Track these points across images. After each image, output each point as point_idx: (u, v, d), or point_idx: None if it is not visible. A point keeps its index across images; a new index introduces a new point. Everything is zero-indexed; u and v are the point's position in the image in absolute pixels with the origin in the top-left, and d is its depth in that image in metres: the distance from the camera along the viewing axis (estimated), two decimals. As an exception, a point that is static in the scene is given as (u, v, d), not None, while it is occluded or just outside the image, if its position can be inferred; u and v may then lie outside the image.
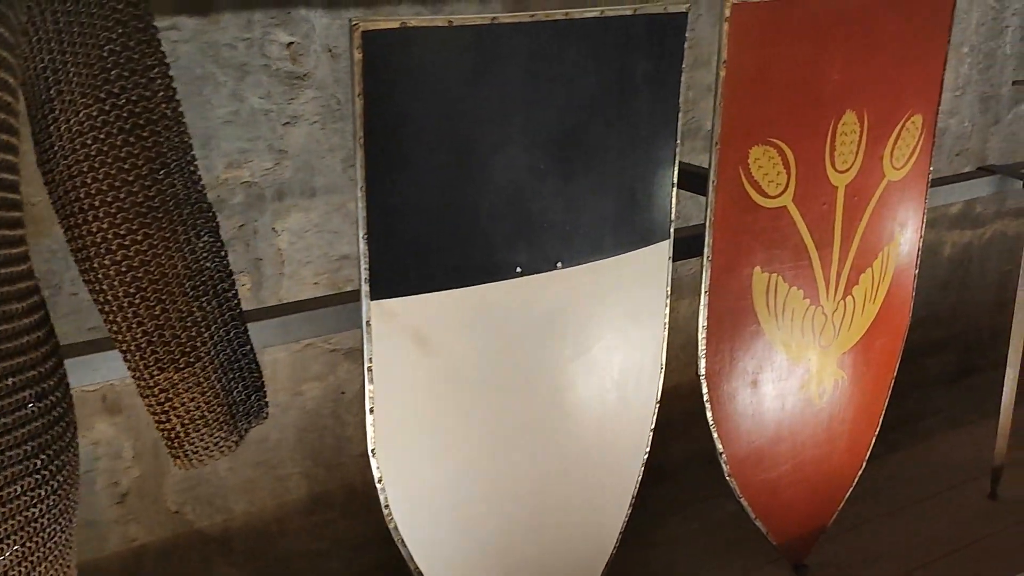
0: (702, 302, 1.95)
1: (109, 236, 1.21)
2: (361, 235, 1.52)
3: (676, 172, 1.83)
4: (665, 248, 1.87)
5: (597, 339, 1.82)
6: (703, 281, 1.94)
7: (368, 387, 1.60)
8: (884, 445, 3.41)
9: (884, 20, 1.96)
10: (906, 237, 2.20)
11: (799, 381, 2.14)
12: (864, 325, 2.20)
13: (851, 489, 2.36)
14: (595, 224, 1.74)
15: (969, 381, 3.74)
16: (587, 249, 1.74)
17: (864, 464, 2.36)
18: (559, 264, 1.71)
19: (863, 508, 2.64)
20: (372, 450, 1.64)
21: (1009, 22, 3.28)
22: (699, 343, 1.98)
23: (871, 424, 2.32)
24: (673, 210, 1.85)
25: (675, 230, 1.91)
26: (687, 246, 1.95)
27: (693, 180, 1.92)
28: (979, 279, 3.63)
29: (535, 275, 1.69)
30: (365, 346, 1.58)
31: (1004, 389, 2.62)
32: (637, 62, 1.69)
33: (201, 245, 1.29)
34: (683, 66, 1.76)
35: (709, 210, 1.89)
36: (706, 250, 1.91)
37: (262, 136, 2.10)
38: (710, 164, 1.87)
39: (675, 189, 1.84)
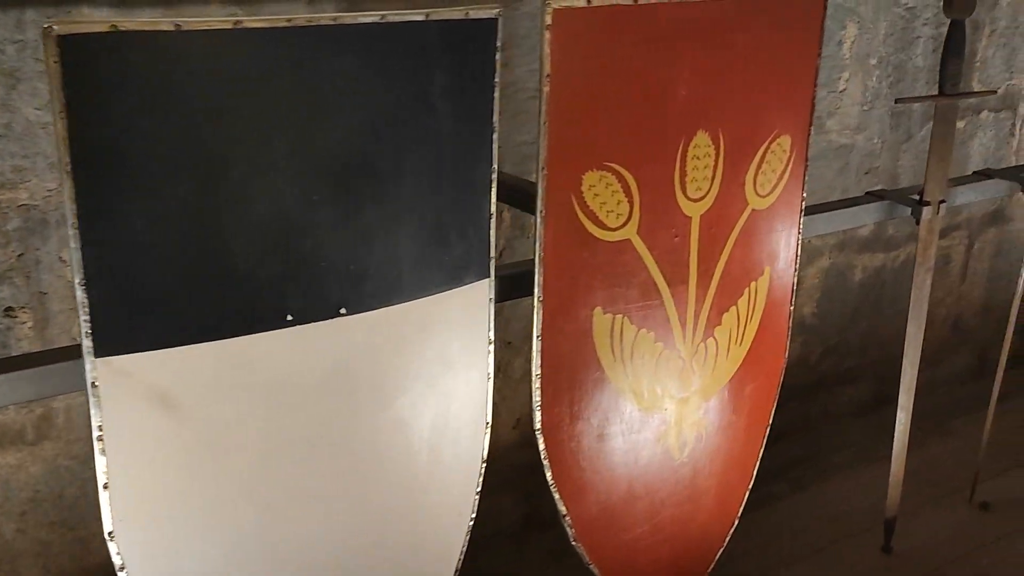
0: (534, 348, 1.71)
1: None
2: (77, 281, 1.26)
3: (494, 201, 1.59)
4: (484, 288, 1.63)
5: (399, 394, 1.57)
6: (534, 324, 1.70)
7: (100, 460, 1.34)
8: (787, 483, 3.22)
9: (741, 30, 1.73)
10: (777, 271, 1.97)
11: (654, 433, 1.90)
12: (731, 369, 1.97)
13: (722, 549, 2.13)
14: (389, 263, 1.49)
15: (884, 412, 3.54)
16: (380, 292, 1.49)
17: (736, 521, 2.13)
18: (342, 310, 1.46)
19: (744, 565, 2.42)
20: (110, 533, 1.38)
21: (921, 32, 3.08)
22: (533, 394, 1.74)
23: (743, 477, 2.09)
24: (493, 244, 1.61)
25: (504, 265, 1.68)
26: (515, 284, 1.71)
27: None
28: (893, 305, 3.43)
29: (311, 324, 1.44)
30: (92, 412, 1.32)
31: (896, 433, 2.41)
32: (435, 76, 1.45)
33: None
34: (495, 80, 1.52)
35: (538, 244, 1.65)
36: (536, 289, 1.68)
37: (41, 152, 1.83)
38: (536, 193, 1.63)
39: (494, 219, 1.60)
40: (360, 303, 1.47)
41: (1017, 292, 2.53)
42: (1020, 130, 3.50)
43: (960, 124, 3.30)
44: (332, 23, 1.32)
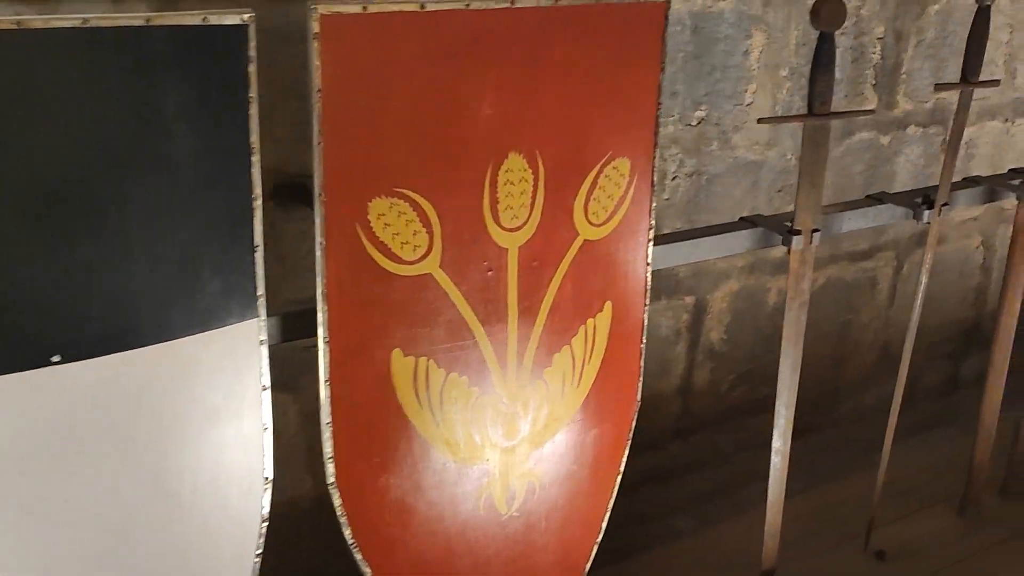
0: (322, 394, 1.52)
1: None
2: None
3: (259, 232, 1.40)
4: (252, 329, 1.44)
5: (146, 451, 1.38)
6: (320, 368, 1.51)
7: None
8: (694, 518, 3.04)
9: (560, 43, 1.54)
10: (622, 306, 1.78)
11: (475, 486, 1.71)
12: (567, 415, 1.78)
13: (566, 608, 1.94)
14: (119, 304, 1.30)
15: (803, 442, 3.35)
16: (108, 336, 1.31)
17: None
18: (55, 358, 1.27)
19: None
20: None
21: (837, 43, 2.88)
22: (324, 445, 1.55)
23: (589, 531, 1.90)
24: (260, 279, 1.43)
25: (289, 302, 1.49)
26: (299, 323, 1.52)
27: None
28: (812, 329, 3.24)
29: (14, 375, 1.25)
30: None
31: (771, 481, 2.22)
32: (166, 90, 1.26)
33: None
34: (251, 95, 1.33)
35: (320, 279, 1.47)
36: (320, 329, 1.49)
37: None
38: (315, 223, 1.44)
39: (260, 252, 1.42)
40: (82, 350, 1.29)
41: (911, 327, 2.35)
42: (952, 146, 3.31)
43: (884, 140, 3.12)
44: (15, 28, 1.14)
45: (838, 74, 2.93)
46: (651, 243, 1.78)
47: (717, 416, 3.14)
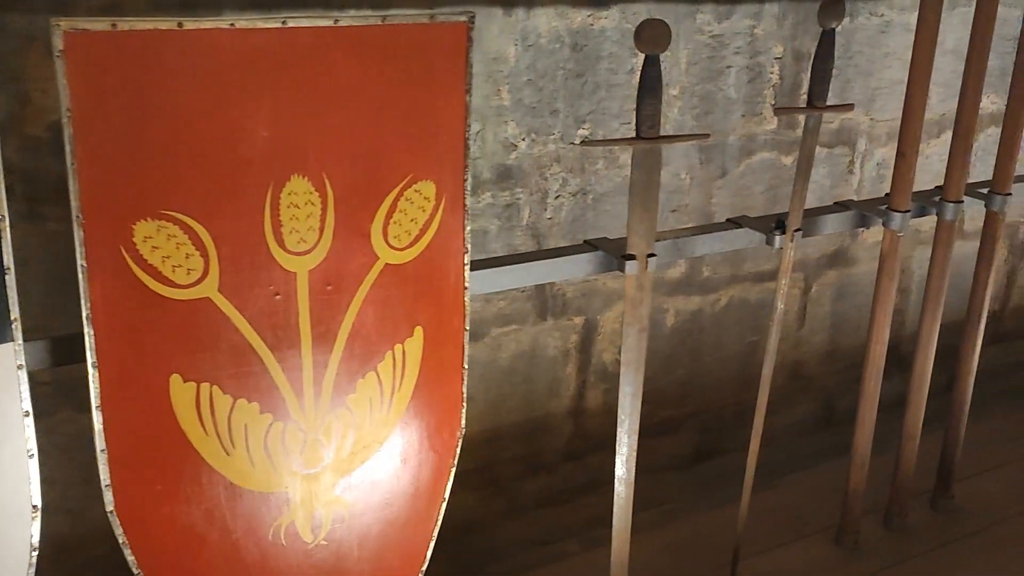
0: (95, 420, 1.49)
1: None
2: None
3: (8, 254, 1.37)
4: (8, 353, 1.40)
5: None
6: (91, 394, 1.47)
7: None
8: (581, 542, 2.99)
9: (348, 63, 1.50)
10: (436, 332, 1.74)
11: (273, 515, 1.67)
12: (377, 441, 1.74)
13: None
14: None
15: (706, 466, 3.31)
16: None
17: (407, 607, 1.90)
18: None
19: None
20: None
21: (732, 62, 2.85)
22: (100, 471, 1.51)
23: (411, 561, 1.86)
24: (13, 303, 1.39)
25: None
26: (70, 347, 1.49)
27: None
28: (716, 351, 3.20)
29: None
30: None
31: (615, 515, 2.17)
32: None
33: None
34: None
35: (85, 303, 1.43)
36: (88, 354, 1.45)
37: None
38: (75, 246, 1.40)
39: (12, 275, 1.38)
40: None
41: (768, 354, 2.30)
42: (861, 167, 3.28)
43: (786, 160, 3.08)
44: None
45: (733, 94, 2.91)
46: (467, 267, 1.74)
47: (612, 438, 3.10)
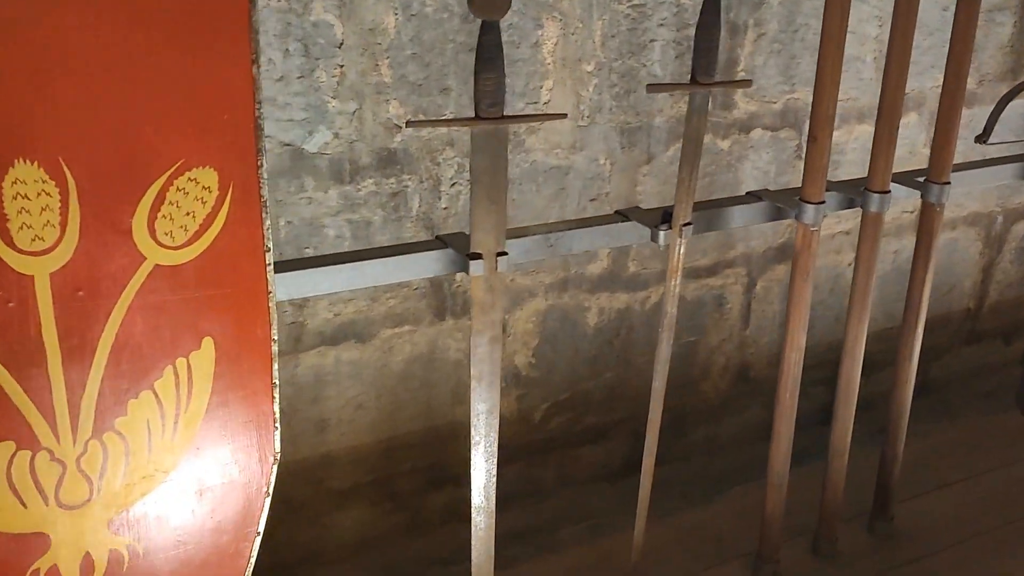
0: None
1: None
2: None
3: None
4: None
5: None
6: None
7: None
8: (498, 560, 2.74)
9: (94, 28, 1.25)
10: (233, 343, 1.49)
11: (30, 560, 1.43)
12: (162, 468, 1.50)
13: None
14: None
15: (637, 479, 3.04)
16: None
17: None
18: None
19: None
20: None
21: (656, 35, 2.57)
22: None
23: (218, 604, 1.62)
24: None
25: None
26: None
27: None
28: (648, 353, 2.93)
29: None
30: None
31: (473, 548, 1.91)
32: None
33: None
34: None
35: None
36: None
37: None
38: None
39: None
40: None
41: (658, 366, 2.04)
42: (811, 152, 2.99)
43: (723, 144, 2.80)
44: None
45: (659, 70, 2.63)
46: (270, 268, 1.49)
47: (533, 448, 2.84)
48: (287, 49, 2.11)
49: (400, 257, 1.69)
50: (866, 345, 2.40)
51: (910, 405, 2.36)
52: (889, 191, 2.04)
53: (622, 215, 1.91)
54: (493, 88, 1.56)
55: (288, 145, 2.18)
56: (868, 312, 2.14)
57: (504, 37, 2.38)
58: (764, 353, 3.19)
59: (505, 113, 1.65)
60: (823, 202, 1.99)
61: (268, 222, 1.48)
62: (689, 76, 1.90)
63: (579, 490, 2.96)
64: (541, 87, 2.46)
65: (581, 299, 2.75)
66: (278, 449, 1.60)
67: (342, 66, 2.19)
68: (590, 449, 2.96)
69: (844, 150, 3.05)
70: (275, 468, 1.61)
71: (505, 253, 1.69)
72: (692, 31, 2.64)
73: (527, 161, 2.50)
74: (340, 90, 2.21)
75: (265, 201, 1.46)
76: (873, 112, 3.08)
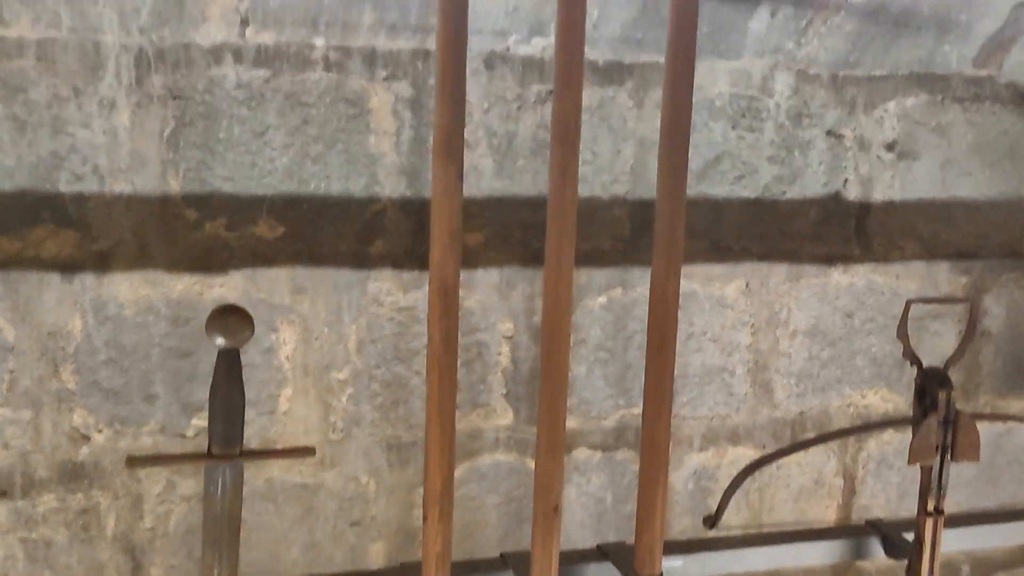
0: None
1: None
2: None
3: None
4: None
5: None
6: None
7: None
8: None
9: None
10: None
11: None
12: None
13: None
14: None
15: None
16: None
17: None
18: None
19: None
20: None
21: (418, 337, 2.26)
22: None
23: None
24: None
25: None
26: None
27: None
28: None
29: None
30: None
31: None
32: None
33: None
34: None
35: None
36: None
37: None
38: None
39: None
40: None
41: None
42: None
43: (532, 463, 2.39)
44: None
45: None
46: None
47: None
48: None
49: None
50: None
51: None
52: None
53: None
54: (229, 423, 1.33)
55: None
56: None
57: (228, 341, 2.15)
58: None
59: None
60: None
61: None
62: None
63: None
64: (279, 395, 2.19)
65: None
66: None
67: (12, 371, 2.01)
68: None
69: (717, 477, 2.56)
70: None
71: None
72: (483, 336, 2.32)
73: (262, 477, 2.20)
74: (11, 396, 2.01)
75: None
76: (753, 434, 2.61)
